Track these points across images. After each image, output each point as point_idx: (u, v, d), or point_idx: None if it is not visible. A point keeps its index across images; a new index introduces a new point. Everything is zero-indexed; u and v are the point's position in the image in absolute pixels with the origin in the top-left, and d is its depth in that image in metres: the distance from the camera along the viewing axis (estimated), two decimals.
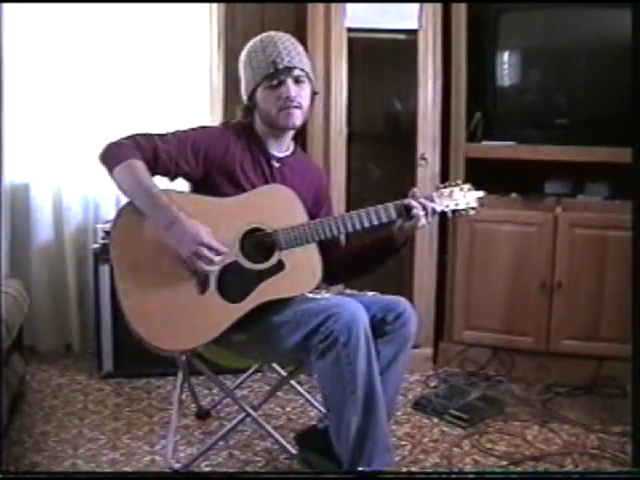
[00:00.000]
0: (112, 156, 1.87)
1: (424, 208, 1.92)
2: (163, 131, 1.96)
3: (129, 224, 1.88)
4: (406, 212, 1.93)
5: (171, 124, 3.00)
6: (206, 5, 3.05)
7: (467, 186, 2.02)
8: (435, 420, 2.56)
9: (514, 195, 2.88)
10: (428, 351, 3.01)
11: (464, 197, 2.00)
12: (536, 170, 2.83)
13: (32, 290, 2.98)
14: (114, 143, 1.89)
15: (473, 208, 2.01)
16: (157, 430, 2.44)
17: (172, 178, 1.97)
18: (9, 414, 2.34)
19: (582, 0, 2.75)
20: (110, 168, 1.87)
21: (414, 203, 1.92)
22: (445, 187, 2.01)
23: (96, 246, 2.85)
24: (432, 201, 1.96)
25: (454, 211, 1.99)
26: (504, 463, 2.24)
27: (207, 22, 3.06)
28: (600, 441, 2.38)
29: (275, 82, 1.95)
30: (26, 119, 3.01)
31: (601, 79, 2.77)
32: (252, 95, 2.01)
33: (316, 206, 2.12)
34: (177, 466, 2.15)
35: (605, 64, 2.75)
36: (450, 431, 2.47)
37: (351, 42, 2.81)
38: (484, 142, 2.90)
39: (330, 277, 2.03)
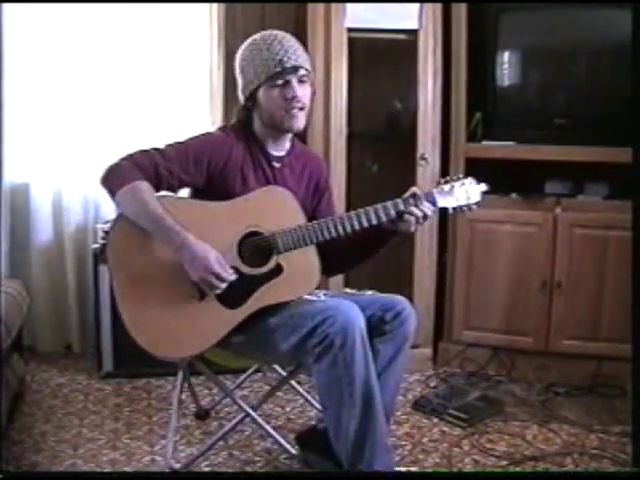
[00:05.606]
0: (113, 180, 1.83)
1: (422, 216, 1.89)
2: (161, 144, 1.92)
3: (124, 235, 1.87)
4: (401, 215, 1.89)
5: (171, 124, 3.01)
6: (206, 5, 3.05)
7: (469, 180, 1.95)
8: (435, 420, 2.55)
9: (514, 195, 2.88)
10: (428, 351, 3.01)
11: (465, 192, 1.94)
12: (536, 170, 2.83)
13: (32, 290, 2.97)
14: (114, 166, 1.85)
15: (476, 203, 1.95)
16: (157, 430, 2.44)
17: (175, 191, 1.95)
18: (9, 414, 2.34)
19: (582, 0, 2.75)
20: (112, 193, 1.83)
21: (413, 211, 1.88)
22: (446, 182, 1.94)
23: (96, 246, 2.85)
24: (432, 199, 1.91)
25: (455, 208, 1.94)
26: (504, 463, 2.24)
27: (207, 22, 3.05)
28: (600, 441, 2.38)
29: (280, 82, 1.91)
30: (26, 119, 3.00)
31: (601, 79, 2.77)
32: (252, 95, 1.96)
33: (317, 197, 2.11)
34: (177, 466, 2.15)
35: (605, 64, 2.75)
36: (450, 431, 2.47)
37: (351, 42, 2.81)
38: (484, 142, 2.89)
39: (326, 269, 2.02)
